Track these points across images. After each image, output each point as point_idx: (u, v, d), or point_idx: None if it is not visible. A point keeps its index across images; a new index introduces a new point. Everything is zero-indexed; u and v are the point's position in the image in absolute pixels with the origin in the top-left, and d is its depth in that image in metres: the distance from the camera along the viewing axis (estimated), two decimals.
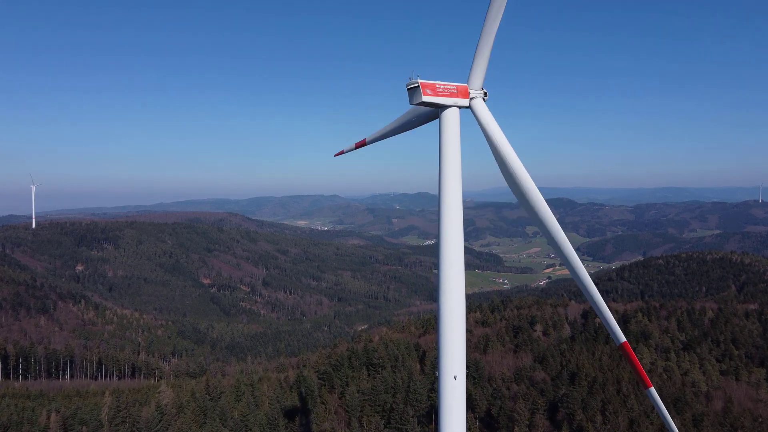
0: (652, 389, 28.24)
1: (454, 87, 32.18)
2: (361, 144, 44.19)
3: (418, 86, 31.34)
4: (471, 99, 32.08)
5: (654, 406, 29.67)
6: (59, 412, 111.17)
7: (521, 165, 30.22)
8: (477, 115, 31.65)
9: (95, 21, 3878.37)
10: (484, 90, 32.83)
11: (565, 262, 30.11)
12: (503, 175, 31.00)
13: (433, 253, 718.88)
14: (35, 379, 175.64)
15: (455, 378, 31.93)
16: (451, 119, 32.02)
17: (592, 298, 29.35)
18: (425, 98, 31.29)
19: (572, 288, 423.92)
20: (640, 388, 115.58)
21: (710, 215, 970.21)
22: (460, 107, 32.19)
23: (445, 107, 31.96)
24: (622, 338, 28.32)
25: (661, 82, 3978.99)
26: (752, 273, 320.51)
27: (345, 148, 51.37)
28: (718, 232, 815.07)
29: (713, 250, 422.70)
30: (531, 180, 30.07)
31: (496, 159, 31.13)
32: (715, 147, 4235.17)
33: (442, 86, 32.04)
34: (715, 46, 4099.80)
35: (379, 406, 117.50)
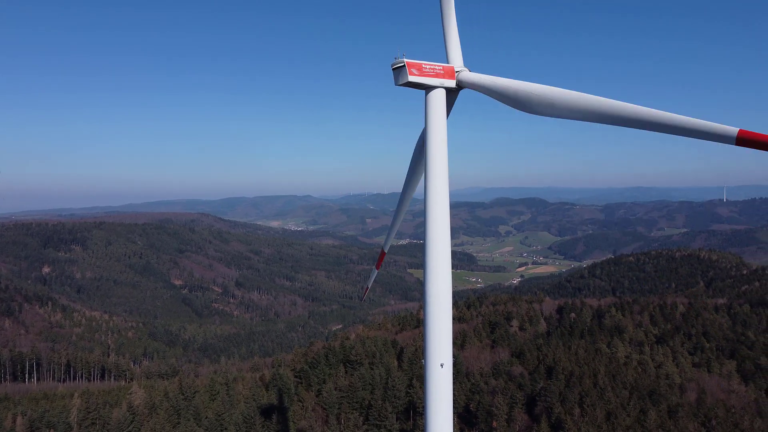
0: None
1: (441, 67, 31.38)
2: (382, 257, 43.31)
3: (404, 66, 30.49)
4: (458, 73, 31.34)
5: None
6: (25, 415, 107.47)
7: (553, 88, 27.20)
8: (472, 82, 30.61)
9: (64, 19, 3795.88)
10: (467, 69, 32.21)
11: None
12: (539, 110, 27.58)
13: (408, 252, 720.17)
14: (0, 382, 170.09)
15: (442, 365, 31.02)
16: (438, 100, 31.18)
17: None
18: (411, 78, 30.35)
19: (546, 285, 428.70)
20: (616, 381, 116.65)
21: (677, 214, 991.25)
22: (446, 88, 31.46)
23: (431, 88, 31.22)
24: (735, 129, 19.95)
25: (628, 83, 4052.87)
26: (719, 269, 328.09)
27: (369, 283, 50.83)
28: (685, 230, 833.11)
29: (681, 248, 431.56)
30: (576, 93, 26.53)
31: (516, 105, 28.63)
32: (681, 147, 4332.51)
33: (428, 66, 31.19)
34: (681, 46, 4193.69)
35: (357, 402, 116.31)
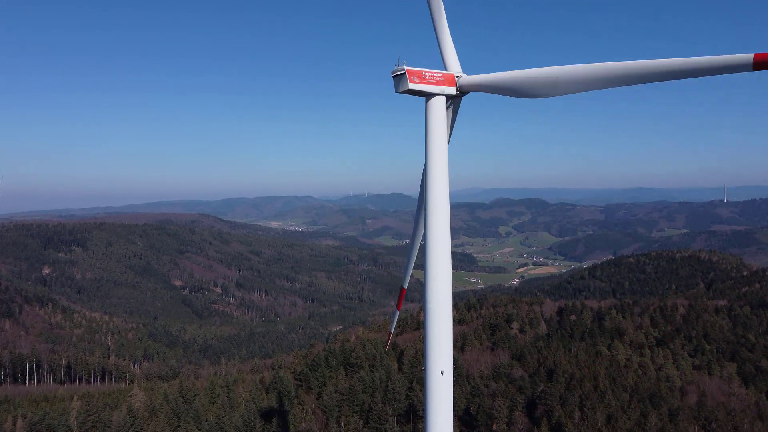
0: None
1: (441, 75, 31.44)
2: (402, 296, 41.98)
3: (405, 73, 30.55)
4: (458, 78, 31.40)
5: None
6: (26, 417, 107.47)
7: (552, 68, 27.30)
8: (473, 83, 30.54)
9: (64, 19, 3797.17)
10: (465, 74, 32.32)
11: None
12: (543, 91, 27.19)
13: (408, 253, 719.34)
14: (0, 384, 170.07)
15: (442, 373, 30.98)
16: (438, 107, 31.27)
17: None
18: (412, 86, 30.41)
19: (546, 287, 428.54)
20: (617, 383, 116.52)
21: (677, 215, 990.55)
22: (446, 95, 31.52)
23: (431, 95, 31.27)
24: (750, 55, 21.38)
25: (630, 86, 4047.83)
26: (720, 270, 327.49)
27: (392, 327, 49.12)
28: (685, 231, 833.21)
29: (682, 249, 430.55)
30: (576, 65, 26.12)
31: (521, 94, 28.64)
32: (682, 148, 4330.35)
33: (428, 74, 31.26)
34: (679, 47, 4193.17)
35: (357, 405, 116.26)
